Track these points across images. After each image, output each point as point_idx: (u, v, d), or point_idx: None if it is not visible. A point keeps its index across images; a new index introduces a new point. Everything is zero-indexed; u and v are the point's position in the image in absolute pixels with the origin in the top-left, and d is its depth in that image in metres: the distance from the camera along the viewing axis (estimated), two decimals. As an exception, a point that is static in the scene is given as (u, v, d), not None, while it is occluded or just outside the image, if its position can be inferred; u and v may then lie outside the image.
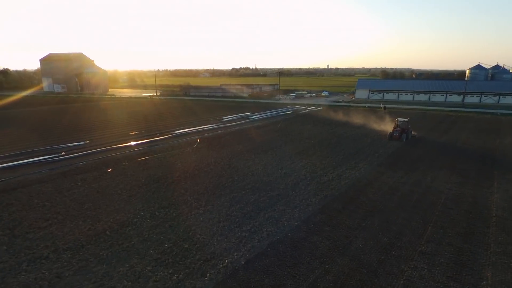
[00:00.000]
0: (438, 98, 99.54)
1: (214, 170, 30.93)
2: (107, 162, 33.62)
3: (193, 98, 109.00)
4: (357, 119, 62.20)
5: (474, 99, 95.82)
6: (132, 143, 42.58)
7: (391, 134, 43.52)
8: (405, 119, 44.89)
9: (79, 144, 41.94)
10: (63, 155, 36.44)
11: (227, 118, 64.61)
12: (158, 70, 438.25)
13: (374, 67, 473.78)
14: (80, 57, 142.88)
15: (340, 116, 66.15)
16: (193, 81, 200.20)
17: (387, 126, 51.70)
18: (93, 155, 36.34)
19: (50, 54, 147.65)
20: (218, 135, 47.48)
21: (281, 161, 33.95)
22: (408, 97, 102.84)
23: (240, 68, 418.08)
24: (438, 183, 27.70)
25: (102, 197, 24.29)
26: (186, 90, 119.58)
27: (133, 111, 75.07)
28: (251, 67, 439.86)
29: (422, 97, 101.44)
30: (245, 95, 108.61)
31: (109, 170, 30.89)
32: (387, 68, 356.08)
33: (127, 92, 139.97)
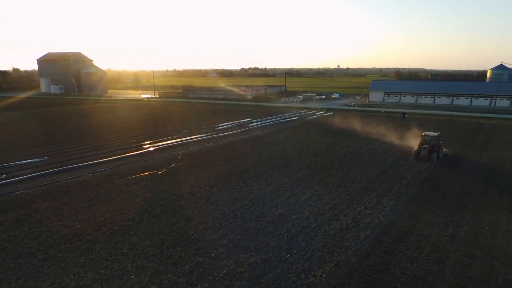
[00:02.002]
0: (462, 101, 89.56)
1: (184, 208, 22.75)
2: (50, 191, 25.73)
3: (192, 100, 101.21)
4: (373, 128, 53.34)
5: (504, 103, 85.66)
6: (98, 160, 34.72)
7: (418, 152, 34.51)
8: (435, 134, 35.72)
9: (35, 161, 34.26)
10: (2, 179, 28.79)
11: (223, 125, 56.46)
12: (167, 70, 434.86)
13: (385, 67, 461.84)
14: (78, 56, 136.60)
15: (353, 124, 57.34)
16: (200, 82, 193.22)
17: (410, 139, 42.81)
18: (40, 179, 28.54)
19: (48, 53, 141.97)
20: (206, 150, 39.30)
21: (278, 192, 25.58)
22: (428, 100, 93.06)
23: (249, 68, 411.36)
24: (504, 237, 18.94)
25: (3, 261, 16.33)
26: (186, 92, 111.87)
27: (120, 117, 67.52)
28: (260, 67, 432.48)
29: (443, 101, 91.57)
30: (249, 97, 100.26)
31: (44, 206, 23.00)
32: (400, 68, 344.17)
33: (127, 94, 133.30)
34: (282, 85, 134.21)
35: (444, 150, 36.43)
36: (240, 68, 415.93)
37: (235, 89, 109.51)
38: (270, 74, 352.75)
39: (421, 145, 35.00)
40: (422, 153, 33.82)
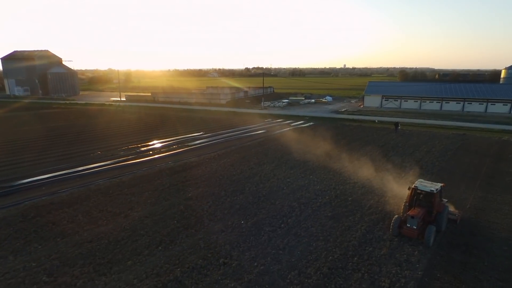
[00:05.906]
0: (476, 107, 74.37)
1: None
2: None
3: (157, 105, 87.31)
4: (356, 148, 39.02)
5: (527, 110, 70.48)
6: None
7: (400, 222, 18.79)
8: (433, 188, 19.10)
9: None
10: None
11: (156, 144, 42.55)
12: (169, 69, 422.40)
13: (392, 66, 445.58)
14: (45, 55, 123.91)
15: (331, 141, 42.74)
16: (198, 83, 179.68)
17: (403, 173, 28.44)
18: None
19: (15, 52, 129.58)
20: (78, 195, 25.24)
21: None
22: (433, 106, 78.05)
23: (253, 68, 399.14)
24: None
25: None
26: (154, 95, 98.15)
27: (47, 128, 53.80)
28: (264, 67, 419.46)
29: (453, 106, 76.43)
30: (222, 102, 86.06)
31: None
32: (406, 68, 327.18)
33: (98, 96, 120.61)
34: (270, 87, 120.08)
35: (452, 210, 21.18)
36: (244, 67, 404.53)
37: (213, 92, 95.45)
38: (272, 73, 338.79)
39: (407, 209, 19.58)
40: (408, 225, 18.39)
